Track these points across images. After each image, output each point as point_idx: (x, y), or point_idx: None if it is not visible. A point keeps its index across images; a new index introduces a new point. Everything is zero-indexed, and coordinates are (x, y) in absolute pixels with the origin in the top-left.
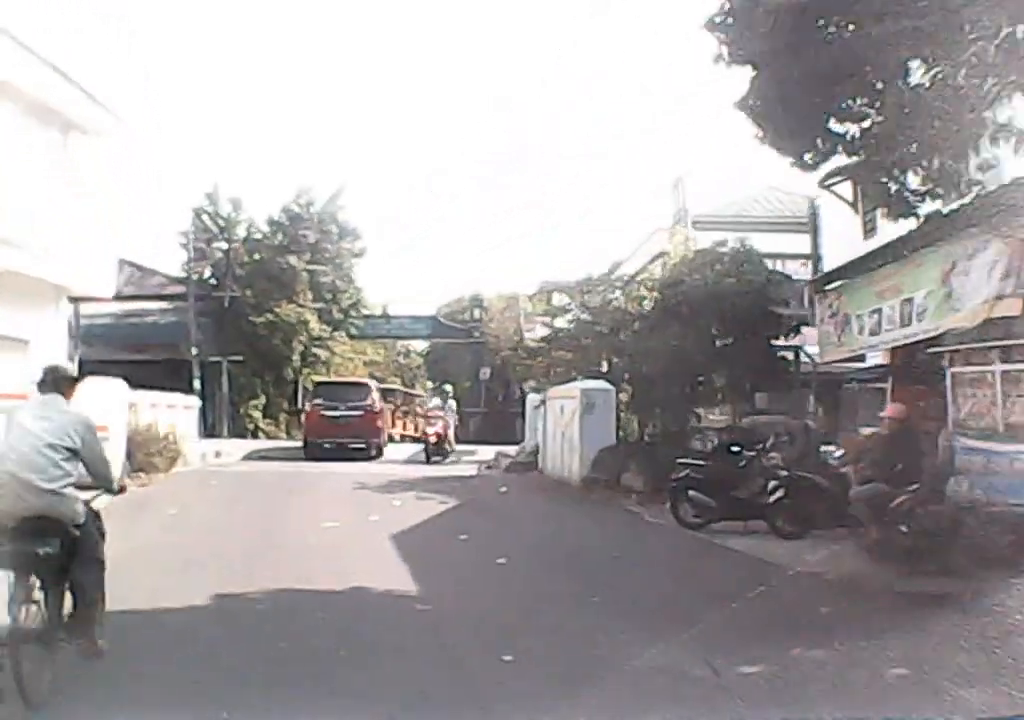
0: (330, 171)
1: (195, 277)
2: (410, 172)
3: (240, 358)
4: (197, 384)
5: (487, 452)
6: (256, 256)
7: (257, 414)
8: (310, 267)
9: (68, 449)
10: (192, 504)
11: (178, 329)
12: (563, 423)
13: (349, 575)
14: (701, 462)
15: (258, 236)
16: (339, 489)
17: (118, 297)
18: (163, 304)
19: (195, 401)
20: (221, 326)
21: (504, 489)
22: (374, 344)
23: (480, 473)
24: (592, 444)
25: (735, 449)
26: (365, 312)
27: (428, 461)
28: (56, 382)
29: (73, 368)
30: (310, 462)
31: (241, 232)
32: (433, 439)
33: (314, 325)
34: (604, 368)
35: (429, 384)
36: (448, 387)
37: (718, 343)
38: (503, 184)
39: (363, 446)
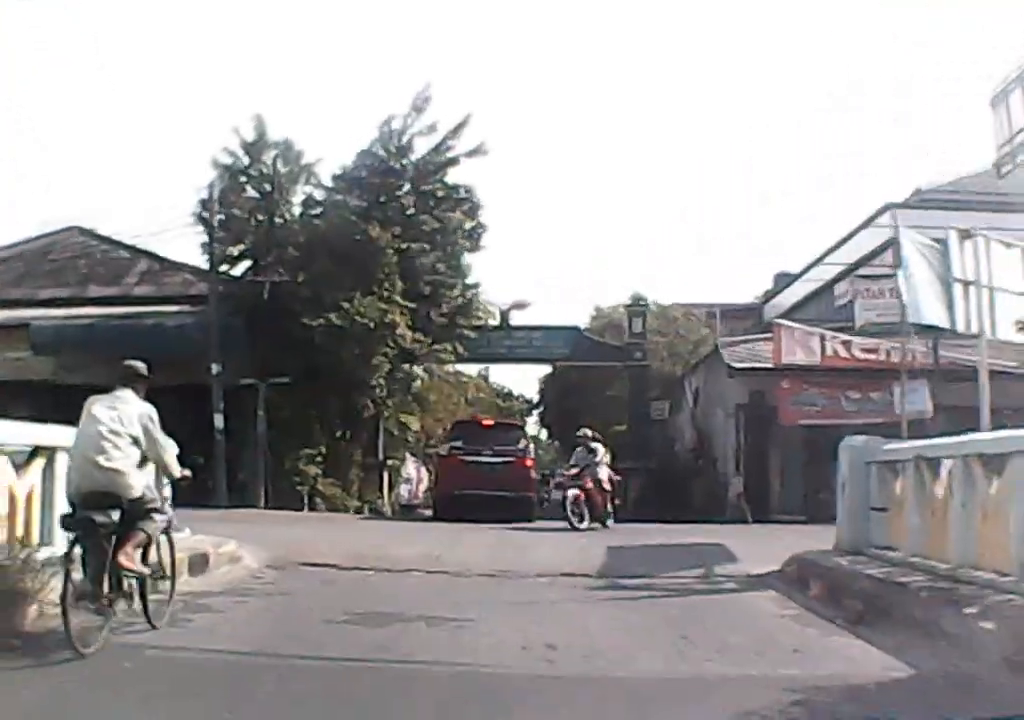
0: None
1: (218, 260)
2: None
3: (286, 380)
4: (219, 420)
5: (740, 552)
6: (313, 225)
7: (313, 469)
8: (401, 245)
9: (130, 435)
10: None
11: (191, 339)
12: None
13: None
14: None
15: (319, 197)
16: None
17: (126, 300)
18: (183, 307)
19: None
20: (258, 331)
21: None
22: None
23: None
24: None
25: None
26: (480, 320)
27: None
28: (127, 378)
29: (144, 367)
30: (441, 525)
31: (296, 199)
32: None
33: (404, 331)
34: None
35: (543, 433)
36: None
37: None
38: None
39: (514, 499)
